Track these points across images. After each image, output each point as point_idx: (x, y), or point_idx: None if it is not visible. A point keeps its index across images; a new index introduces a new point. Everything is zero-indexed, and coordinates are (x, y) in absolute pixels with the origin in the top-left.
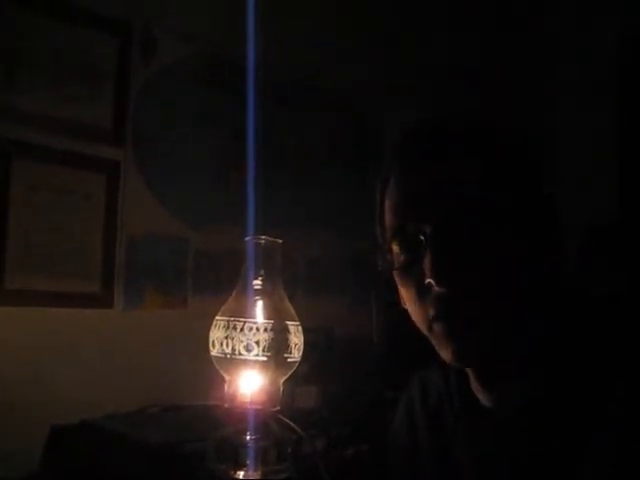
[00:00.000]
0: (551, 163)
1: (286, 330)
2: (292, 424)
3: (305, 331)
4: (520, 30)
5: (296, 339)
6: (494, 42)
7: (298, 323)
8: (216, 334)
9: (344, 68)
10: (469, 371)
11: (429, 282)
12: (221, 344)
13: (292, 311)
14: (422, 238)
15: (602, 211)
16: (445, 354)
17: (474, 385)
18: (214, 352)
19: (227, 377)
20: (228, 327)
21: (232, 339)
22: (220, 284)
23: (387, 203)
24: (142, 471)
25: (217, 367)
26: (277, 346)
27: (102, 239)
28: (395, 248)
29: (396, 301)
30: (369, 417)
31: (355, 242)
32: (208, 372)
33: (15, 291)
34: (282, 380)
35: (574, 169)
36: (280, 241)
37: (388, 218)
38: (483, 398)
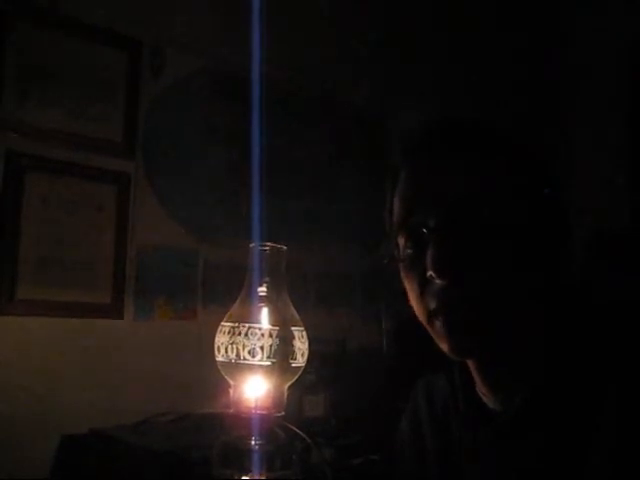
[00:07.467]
0: (565, 166)
1: (290, 336)
2: (296, 429)
3: (317, 342)
4: (530, 33)
5: (301, 344)
6: (506, 46)
7: (303, 329)
8: (221, 339)
9: (348, 76)
10: (474, 375)
11: (430, 275)
12: (226, 349)
13: (297, 317)
14: (425, 231)
15: (613, 217)
16: (444, 346)
17: (479, 388)
18: (219, 357)
19: (232, 382)
20: (233, 332)
21: (236, 344)
22: (230, 296)
23: (396, 196)
24: (149, 478)
25: (222, 373)
26: (282, 351)
27: (113, 250)
28: (401, 241)
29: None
30: (378, 427)
31: (366, 256)
32: (218, 381)
33: (27, 301)
34: (287, 385)
35: (588, 173)
36: (285, 248)
37: (396, 211)
38: (489, 401)
